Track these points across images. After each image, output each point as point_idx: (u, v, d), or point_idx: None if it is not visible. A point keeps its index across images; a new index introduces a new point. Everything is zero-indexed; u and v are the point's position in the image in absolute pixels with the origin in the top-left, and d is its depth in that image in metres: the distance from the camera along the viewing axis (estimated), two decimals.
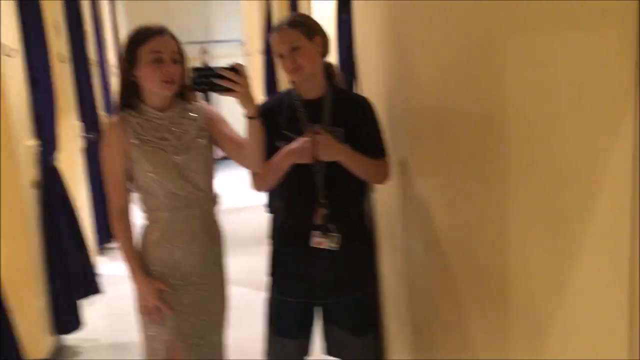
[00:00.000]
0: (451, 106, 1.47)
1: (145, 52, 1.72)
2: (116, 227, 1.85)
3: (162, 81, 1.71)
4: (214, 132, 1.86)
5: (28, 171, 2.91)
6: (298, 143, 1.78)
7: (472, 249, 1.43)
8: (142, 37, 1.74)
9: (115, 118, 1.80)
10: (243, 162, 1.82)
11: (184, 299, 1.83)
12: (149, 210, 1.84)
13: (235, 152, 1.83)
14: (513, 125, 1.16)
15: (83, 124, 4.42)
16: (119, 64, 1.82)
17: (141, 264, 1.84)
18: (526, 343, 1.18)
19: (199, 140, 1.82)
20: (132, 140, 1.76)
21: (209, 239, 1.88)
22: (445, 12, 1.40)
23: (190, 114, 1.84)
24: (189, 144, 1.81)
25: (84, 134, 4.41)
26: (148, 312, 1.83)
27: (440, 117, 1.54)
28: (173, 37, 1.78)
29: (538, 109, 1.07)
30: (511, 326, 1.24)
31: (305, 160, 1.78)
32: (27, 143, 2.93)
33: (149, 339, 1.85)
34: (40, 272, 2.98)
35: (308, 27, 1.80)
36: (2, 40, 2.64)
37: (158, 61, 1.71)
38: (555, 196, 1.03)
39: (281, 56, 1.80)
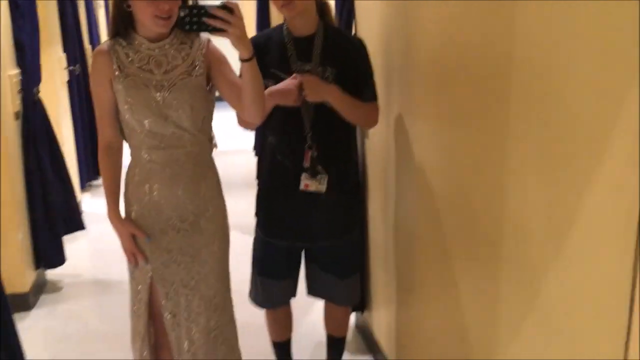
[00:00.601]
0: (456, 54, 1.41)
1: None
2: (101, 162, 1.77)
3: (155, 16, 1.57)
4: (212, 71, 1.72)
5: (10, 102, 2.82)
6: (282, 85, 1.72)
7: (467, 197, 1.41)
8: None
9: (103, 46, 1.69)
10: (242, 111, 1.70)
11: (163, 242, 1.74)
12: (131, 147, 1.74)
13: (234, 98, 1.70)
14: (519, 77, 1.12)
15: (67, 56, 4.28)
16: None
17: (117, 205, 1.76)
18: (517, 295, 1.17)
19: (189, 77, 1.68)
20: (115, 73, 1.65)
21: (195, 182, 1.74)
22: None
23: (187, 47, 1.70)
24: (175, 80, 1.66)
25: (69, 67, 4.28)
26: (126, 254, 1.77)
27: (444, 65, 1.49)
28: None
29: (545, 60, 1.03)
30: (502, 276, 1.23)
31: (289, 102, 1.73)
32: (10, 72, 2.83)
33: (132, 280, 1.81)
34: (23, 206, 2.94)
35: None
36: None
37: None
38: (557, 149, 1.00)
39: None
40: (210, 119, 1.76)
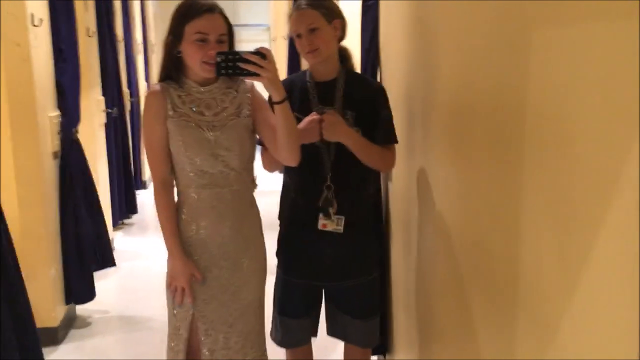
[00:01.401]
0: (472, 99, 1.45)
1: (191, 30, 1.67)
2: (157, 200, 1.79)
3: (203, 62, 1.68)
4: (255, 115, 1.80)
5: (50, 141, 2.95)
6: (303, 122, 1.78)
7: (484, 243, 1.42)
8: (191, 13, 1.69)
9: (156, 87, 1.77)
10: (278, 154, 1.76)
11: (206, 280, 1.78)
12: (179, 186, 1.81)
13: (272, 141, 1.77)
14: (533, 122, 1.14)
15: (105, 99, 4.45)
16: (165, 37, 1.76)
17: (179, 242, 1.77)
18: (534, 340, 1.17)
19: (237, 118, 1.77)
20: (169, 112, 1.73)
21: (239, 221, 1.80)
22: (470, 3, 1.38)
23: (233, 91, 1.80)
24: (225, 121, 1.75)
25: (107, 109, 4.45)
26: (173, 291, 1.79)
27: (461, 110, 1.52)
28: (223, 16, 1.73)
29: (559, 106, 1.05)
30: (519, 322, 1.23)
31: (309, 140, 1.78)
32: (50, 114, 2.96)
33: (172, 317, 1.83)
34: (56, 242, 3.03)
35: (328, 9, 1.80)
36: (30, 10, 2.67)
37: (203, 41, 1.67)
38: (571, 195, 1.01)
39: (298, 36, 1.80)
40: (253, 159, 1.84)
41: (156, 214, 1.80)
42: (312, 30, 1.77)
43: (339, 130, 1.78)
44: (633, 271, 0.84)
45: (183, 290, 1.77)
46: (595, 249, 0.94)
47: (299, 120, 1.82)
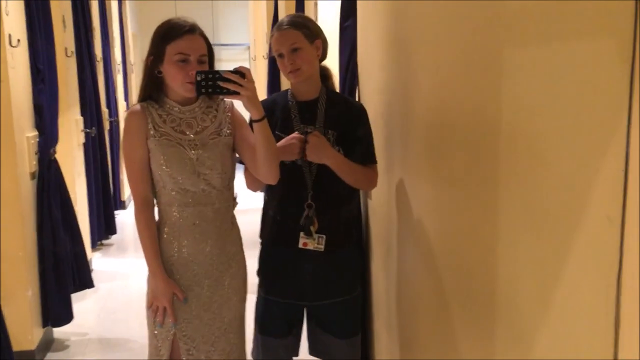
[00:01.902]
0: (448, 117, 1.48)
1: (172, 51, 1.69)
2: (138, 219, 1.78)
3: (185, 82, 1.69)
4: (234, 134, 1.82)
5: (27, 162, 2.92)
6: (284, 140, 1.80)
7: (462, 258, 1.44)
8: (171, 34, 1.70)
9: (136, 107, 1.78)
10: (257, 172, 1.77)
11: (189, 299, 1.77)
12: (160, 205, 1.80)
13: (252, 159, 1.79)
14: (506, 137, 1.17)
15: (84, 118, 4.43)
16: (146, 57, 1.77)
17: (160, 262, 1.76)
18: (512, 353, 1.19)
19: (218, 137, 1.78)
20: (150, 132, 1.74)
21: (222, 239, 1.81)
22: (446, 24, 1.42)
23: (214, 110, 1.81)
24: (206, 140, 1.77)
25: (85, 129, 4.42)
26: (154, 311, 1.77)
27: (438, 128, 1.55)
28: (203, 36, 1.75)
29: (531, 121, 1.08)
30: (497, 336, 1.25)
31: (289, 157, 1.80)
32: (28, 134, 2.94)
33: (153, 337, 1.82)
34: (34, 263, 2.99)
35: (309, 30, 1.82)
36: (7, 30, 2.66)
37: (184, 61, 1.68)
38: (545, 207, 1.04)
39: (280, 55, 1.82)
40: (234, 177, 1.85)
41: (137, 233, 1.79)
42: (294, 50, 1.79)
43: (323, 153, 1.80)
44: (607, 284, 0.86)
45: (165, 309, 1.76)
46: (569, 263, 0.97)
47: (280, 139, 1.83)
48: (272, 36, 1.86)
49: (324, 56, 1.89)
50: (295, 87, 1.90)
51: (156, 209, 1.82)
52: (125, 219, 5.90)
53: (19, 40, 2.76)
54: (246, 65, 7.43)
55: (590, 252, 0.91)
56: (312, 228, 1.83)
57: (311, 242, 1.84)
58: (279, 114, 1.89)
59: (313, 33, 1.83)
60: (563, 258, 0.98)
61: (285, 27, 1.82)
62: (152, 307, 1.78)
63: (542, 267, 1.05)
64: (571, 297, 0.97)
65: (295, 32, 1.80)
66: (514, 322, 1.17)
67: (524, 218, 1.11)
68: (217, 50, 1.86)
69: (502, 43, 1.15)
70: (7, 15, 2.65)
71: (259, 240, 2.01)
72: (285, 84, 4.82)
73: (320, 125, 1.85)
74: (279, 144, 1.80)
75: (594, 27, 0.85)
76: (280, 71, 1.89)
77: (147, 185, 1.78)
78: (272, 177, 1.76)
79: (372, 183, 1.95)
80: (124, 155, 1.80)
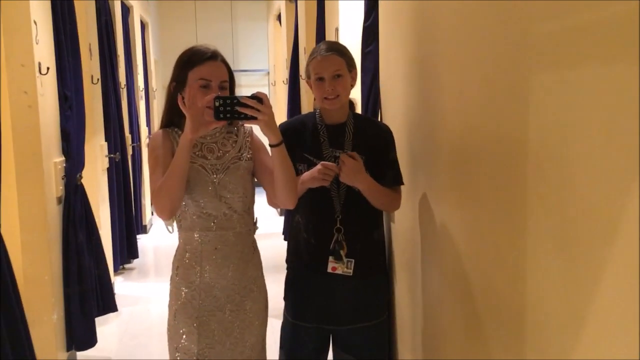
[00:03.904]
0: (473, 141, 1.48)
1: (194, 76, 1.72)
2: (155, 190, 1.70)
3: (206, 107, 1.68)
4: (254, 159, 1.84)
5: (54, 187, 2.97)
6: (315, 170, 1.80)
7: (489, 283, 1.43)
8: (194, 61, 1.74)
9: (159, 131, 1.81)
10: (275, 196, 1.78)
11: (211, 324, 1.78)
12: (182, 230, 1.82)
13: (270, 184, 1.80)
14: (534, 160, 1.17)
15: (108, 144, 4.50)
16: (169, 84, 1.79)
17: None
18: None
19: (239, 161, 1.80)
20: (175, 152, 1.73)
21: (243, 263, 1.81)
22: (470, 48, 1.43)
23: (234, 135, 1.84)
24: (228, 164, 1.79)
25: (109, 154, 4.49)
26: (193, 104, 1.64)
27: (464, 152, 1.55)
28: (224, 63, 1.78)
29: (559, 145, 1.08)
30: (528, 357, 1.23)
31: (321, 184, 1.80)
32: (55, 159, 2.99)
33: None
34: (59, 287, 3.02)
35: (349, 59, 1.86)
36: (37, 59, 2.73)
37: (205, 87, 1.71)
38: (574, 230, 1.03)
39: (320, 79, 1.83)
40: (254, 201, 1.86)
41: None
42: (336, 77, 1.82)
43: (358, 176, 1.80)
44: (637, 309, 0.85)
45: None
46: (600, 286, 0.96)
47: (309, 161, 1.84)
48: (312, 59, 1.87)
49: (354, 84, 1.92)
50: (324, 110, 1.92)
51: (177, 234, 1.84)
52: (147, 243, 5.94)
53: (48, 68, 2.83)
54: (265, 90, 7.48)
55: (621, 275, 0.90)
56: (341, 252, 1.83)
57: (340, 267, 1.84)
58: (308, 136, 1.91)
59: (352, 62, 1.88)
60: (593, 281, 0.97)
61: (330, 52, 1.84)
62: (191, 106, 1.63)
63: (572, 291, 1.04)
64: (602, 320, 0.96)
65: (339, 59, 1.83)
66: (544, 346, 1.16)
67: (553, 241, 1.11)
68: (237, 76, 1.89)
69: (528, 66, 1.15)
70: (37, 43, 2.72)
71: (282, 265, 2.01)
72: (305, 110, 4.86)
73: (348, 149, 1.87)
74: (308, 173, 1.81)
75: (623, 49, 0.86)
76: (315, 93, 1.89)
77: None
78: (290, 202, 1.77)
79: (397, 205, 1.95)
80: (149, 162, 1.77)
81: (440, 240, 1.77)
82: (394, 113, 2.27)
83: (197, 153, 1.77)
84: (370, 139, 1.90)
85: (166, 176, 1.67)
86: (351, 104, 1.99)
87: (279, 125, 1.72)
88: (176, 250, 1.84)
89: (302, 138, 1.89)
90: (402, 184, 1.94)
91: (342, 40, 3.59)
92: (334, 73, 1.81)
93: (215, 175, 1.76)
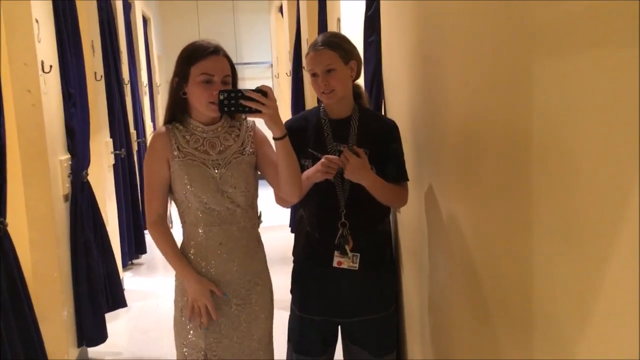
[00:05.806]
0: (478, 130, 1.47)
1: (196, 72, 1.72)
2: (156, 233, 1.80)
3: (209, 102, 1.71)
4: (257, 151, 1.85)
5: (60, 185, 2.98)
6: (319, 164, 1.80)
7: (497, 271, 1.42)
8: (196, 56, 1.74)
9: (162, 129, 1.82)
10: (280, 190, 1.79)
11: (218, 318, 1.78)
12: (186, 225, 1.82)
13: (274, 176, 1.80)
14: (539, 148, 1.16)
15: (113, 140, 4.51)
16: (171, 79, 1.81)
17: (187, 264, 1.77)
18: None
19: (241, 155, 1.81)
20: (174, 152, 1.76)
21: (248, 257, 1.82)
22: (473, 35, 1.42)
23: (236, 129, 1.84)
24: (230, 159, 1.79)
25: (114, 151, 4.50)
26: (197, 314, 1.75)
27: (469, 142, 1.55)
28: (227, 57, 1.78)
29: (564, 132, 1.07)
30: (536, 346, 1.23)
31: (324, 177, 1.80)
32: (61, 157, 3.00)
33: (183, 357, 1.82)
34: (68, 284, 3.04)
35: (345, 51, 1.84)
36: (40, 57, 2.73)
37: (208, 82, 1.71)
38: (580, 218, 1.03)
39: (314, 75, 1.83)
40: (257, 195, 1.86)
41: (157, 246, 1.81)
42: (329, 72, 1.80)
43: (362, 173, 1.79)
44: None
45: (207, 309, 1.75)
46: (607, 274, 0.95)
47: (314, 156, 1.84)
48: (307, 54, 1.87)
49: (357, 75, 1.90)
50: (327, 105, 1.91)
51: (182, 229, 1.85)
52: None
53: (51, 66, 2.83)
54: (269, 83, 7.48)
55: (628, 264, 0.90)
56: (347, 247, 1.83)
57: (346, 261, 1.84)
58: (311, 131, 1.90)
59: (348, 54, 1.85)
60: (600, 270, 0.96)
61: (321, 47, 1.82)
62: (194, 310, 1.76)
63: (579, 279, 1.04)
64: (609, 309, 0.95)
65: (331, 52, 1.81)
66: (552, 335, 1.16)
67: (559, 229, 1.10)
68: (239, 69, 1.89)
69: (531, 53, 1.14)
70: (39, 42, 2.72)
71: (290, 257, 2.02)
72: (309, 101, 4.85)
73: (352, 143, 1.86)
74: (313, 167, 1.81)
75: (626, 34, 0.85)
76: (313, 88, 1.90)
77: (160, 204, 1.81)
78: (295, 195, 1.77)
79: (403, 201, 1.94)
80: (145, 172, 1.82)
81: (446, 231, 1.77)
82: (397, 103, 2.26)
83: (198, 149, 1.78)
84: (375, 134, 1.89)
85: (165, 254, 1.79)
86: (359, 94, 1.96)
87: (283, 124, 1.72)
88: (180, 246, 1.84)
89: (306, 135, 1.89)
90: (407, 179, 1.93)
91: (344, 31, 3.57)
92: (326, 68, 1.80)
93: (216, 170, 1.76)
